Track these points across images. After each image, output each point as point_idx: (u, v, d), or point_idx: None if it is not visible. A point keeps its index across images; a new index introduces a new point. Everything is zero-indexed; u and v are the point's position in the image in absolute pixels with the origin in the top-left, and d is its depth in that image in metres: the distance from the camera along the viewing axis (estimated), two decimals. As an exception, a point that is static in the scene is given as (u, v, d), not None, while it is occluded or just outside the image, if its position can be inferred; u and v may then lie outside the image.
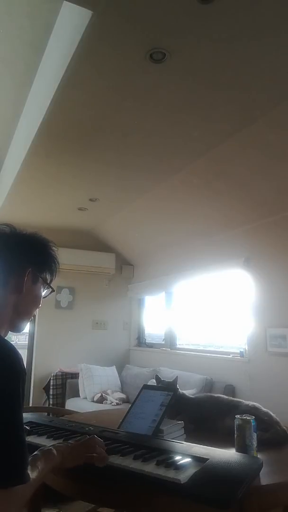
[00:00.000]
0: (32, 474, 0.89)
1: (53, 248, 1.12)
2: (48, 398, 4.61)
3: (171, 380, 1.77)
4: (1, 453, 0.80)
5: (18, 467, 0.82)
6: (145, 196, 3.68)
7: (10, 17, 2.02)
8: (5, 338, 0.97)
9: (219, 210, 3.54)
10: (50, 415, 2.44)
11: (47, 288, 1.12)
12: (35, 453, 1.01)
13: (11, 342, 0.93)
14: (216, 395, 1.84)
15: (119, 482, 1.10)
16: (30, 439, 1.37)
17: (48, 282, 1.11)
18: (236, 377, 3.57)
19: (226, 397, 1.81)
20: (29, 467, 0.91)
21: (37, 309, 1.11)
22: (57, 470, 1.07)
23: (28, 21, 2.05)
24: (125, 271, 5.36)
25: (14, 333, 1.07)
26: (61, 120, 2.44)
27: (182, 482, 1.00)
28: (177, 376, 1.85)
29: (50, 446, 1.08)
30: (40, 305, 1.11)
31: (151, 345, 5.10)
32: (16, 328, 1.04)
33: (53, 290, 1.13)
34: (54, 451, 1.04)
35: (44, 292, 1.12)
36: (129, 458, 1.15)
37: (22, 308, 1.04)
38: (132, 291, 5.24)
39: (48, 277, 1.10)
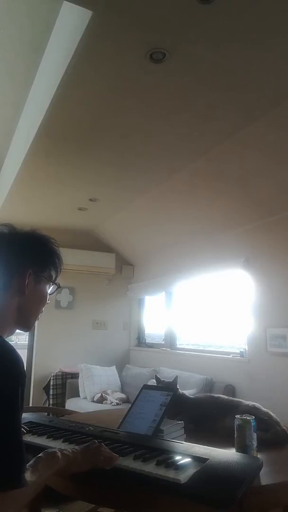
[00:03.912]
0: (32, 477, 0.88)
1: (54, 244, 1.10)
2: (48, 398, 4.61)
3: (171, 380, 1.77)
4: None
5: (14, 471, 0.82)
6: (145, 196, 3.68)
7: (10, 17, 2.02)
8: (6, 339, 0.95)
9: (219, 210, 3.54)
10: (50, 415, 2.44)
11: (52, 285, 1.10)
12: (39, 455, 0.99)
13: (11, 342, 0.92)
14: (216, 395, 1.85)
15: (119, 482, 1.10)
16: (30, 439, 1.37)
17: (53, 278, 1.09)
18: (236, 377, 3.57)
19: (226, 397, 1.82)
20: (29, 469, 0.90)
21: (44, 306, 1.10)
22: (62, 474, 1.05)
23: (28, 21, 2.05)
24: (125, 271, 5.36)
25: (24, 332, 1.08)
26: (61, 120, 2.44)
27: (182, 482, 1.00)
28: (177, 376, 1.85)
29: (56, 449, 1.04)
30: (48, 301, 1.10)
31: (151, 345, 5.10)
32: (24, 328, 1.05)
33: (59, 286, 1.12)
34: (59, 454, 1.00)
35: (50, 289, 1.10)
36: (129, 458, 1.15)
37: (28, 309, 1.03)
38: (132, 291, 5.24)
39: (52, 273, 1.09)
